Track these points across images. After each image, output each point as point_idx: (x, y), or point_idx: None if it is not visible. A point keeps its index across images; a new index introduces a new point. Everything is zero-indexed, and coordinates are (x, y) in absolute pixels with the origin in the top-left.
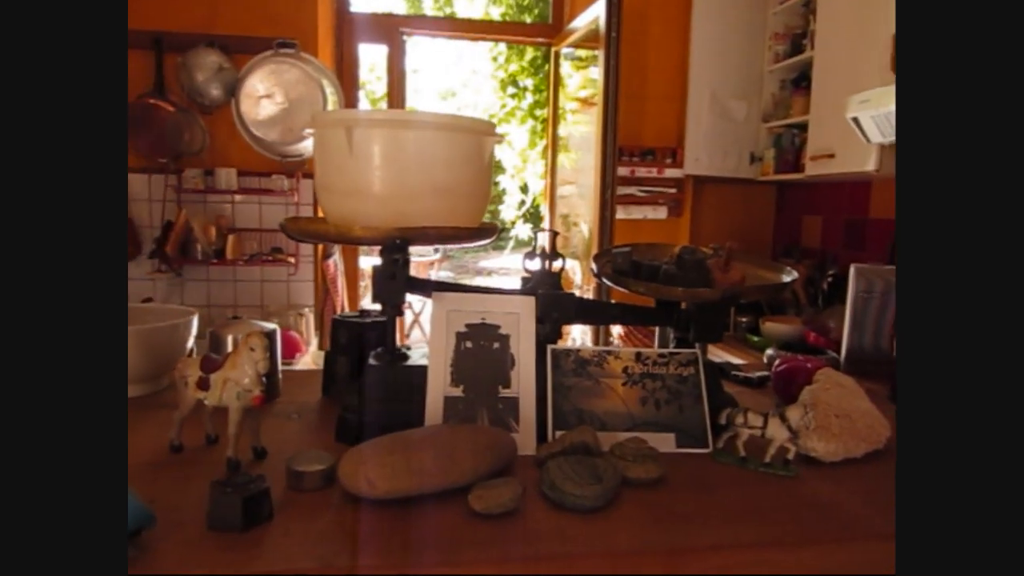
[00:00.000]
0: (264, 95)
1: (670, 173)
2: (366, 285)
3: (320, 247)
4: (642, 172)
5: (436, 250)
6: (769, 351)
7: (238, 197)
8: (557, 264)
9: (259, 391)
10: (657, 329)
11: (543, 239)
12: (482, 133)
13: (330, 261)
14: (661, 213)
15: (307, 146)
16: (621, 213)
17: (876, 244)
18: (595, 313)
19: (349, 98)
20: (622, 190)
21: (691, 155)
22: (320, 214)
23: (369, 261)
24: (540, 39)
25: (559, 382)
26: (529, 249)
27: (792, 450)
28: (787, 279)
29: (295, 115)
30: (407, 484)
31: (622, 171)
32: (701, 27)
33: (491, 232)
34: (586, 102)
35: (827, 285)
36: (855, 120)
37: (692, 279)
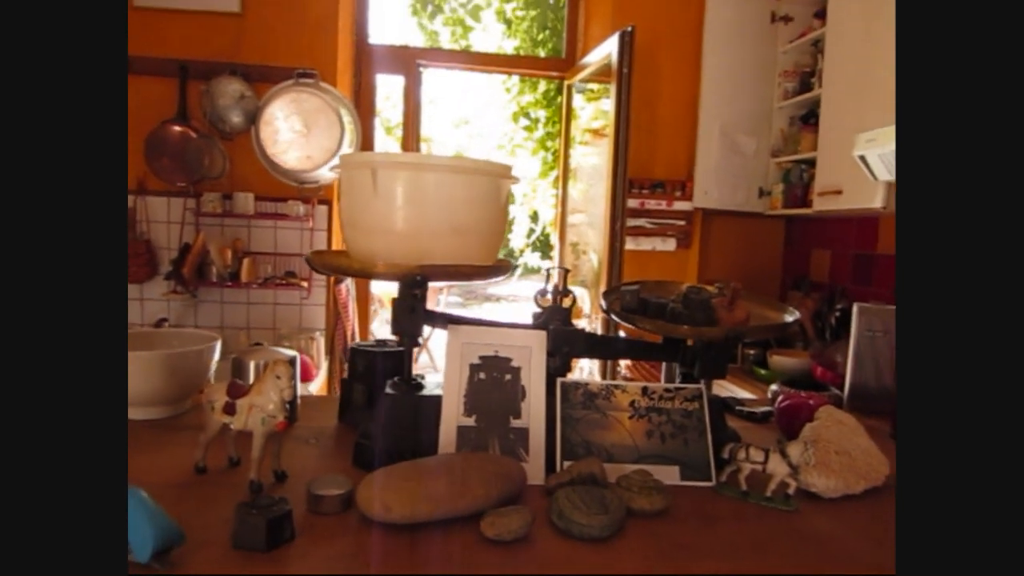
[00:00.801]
0: (284, 123)
1: (679, 206)
2: (376, 310)
3: None
4: (651, 204)
5: None
6: (773, 387)
7: (254, 221)
8: (567, 301)
9: (283, 417)
10: (664, 364)
11: (555, 274)
12: (499, 176)
13: (342, 286)
14: (670, 245)
15: (323, 173)
16: (630, 244)
17: (884, 279)
18: (603, 348)
19: (366, 127)
20: (632, 221)
21: (700, 188)
22: (339, 245)
23: (380, 287)
24: (553, 72)
25: (568, 414)
26: (542, 286)
27: (793, 485)
28: (789, 319)
29: (313, 143)
30: (421, 510)
31: (632, 203)
32: (711, 63)
33: (505, 269)
34: (597, 133)
35: (835, 320)
36: (862, 158)
37: (698, 318)
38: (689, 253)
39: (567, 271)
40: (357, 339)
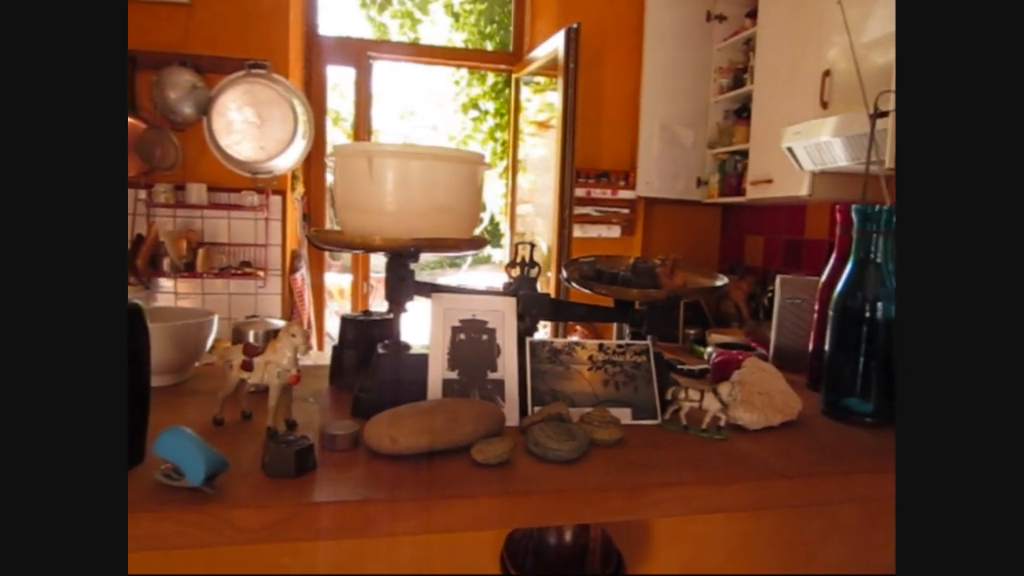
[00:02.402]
0: (237, 114)
1: (623, 195)
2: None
3: (288, 262)
4: (597, 193)
5: None
6: (709, 348)
7: (208, 212)
8: (534, 271)
9: (295, 371)
10: (615, 327)
11: (523, 248)
12: (476, 163)
13: (297, 275)
14: (615, 232)
15: (277, 164)
16: (578, 231)
17: (811, 262)
18: (566, 311)
19: (318, 118)
20: (578, 210)
21: (643, 178)
22: (294, 235)
23: (332, 277)
24: (502, 66)
25: (536, 368)
26: (511, 259)
27: (723, 419)
28: (719, 283)
29: (267, 134)
30: (422, 441)
31: (578, 192)
32: (652, 59)
33: (483, 243)
34: (544, 125)
35: (767, 300)
36: (789, 149)
37: (644, 283)
38: (633, 240)
39: (533, 245)
40: (313, 328)
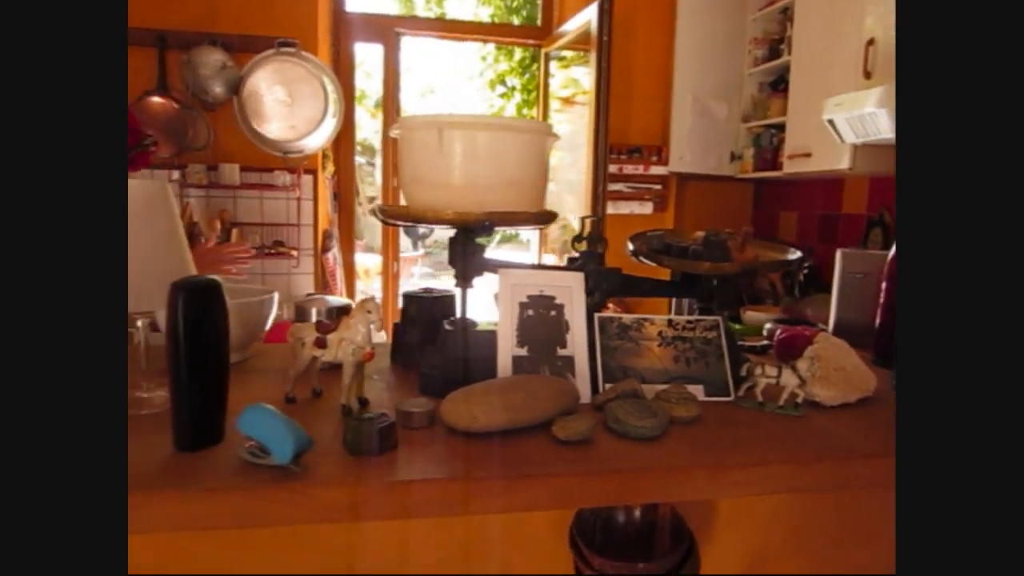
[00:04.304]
0: (267, 93)
1: (655, 170)
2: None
3: (320, 241)
4: (629, 169)
5: (417, 247)
6: (768, 324)
7: (240, 192)
8: (601, 245)
9: (370, 348)
10: (673, 302)
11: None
12: (545, 134)
13: (329, 255)
14: (647, 208)
15: (308, 143)
16: (609, 208)
17: (848, 237)
18: (636, 286)
19: (348, 96)
20: (611, 186)
21: (675, 153)
22: (325, 214)
23: (363, 257)
24: (530, 40)
25: (606, 344)
26: (576, 234)
27: (800, 395)
28: (792, 257)
29: (297, 112)
30: (503, 419)
31: (610, 168)
32: (685, 31)
33: (552, 217)
34: (568, 101)
35: (803, 276)
36: (830, 122)
37: (716, 256)
38: (665, 216)
39: (599, 219)
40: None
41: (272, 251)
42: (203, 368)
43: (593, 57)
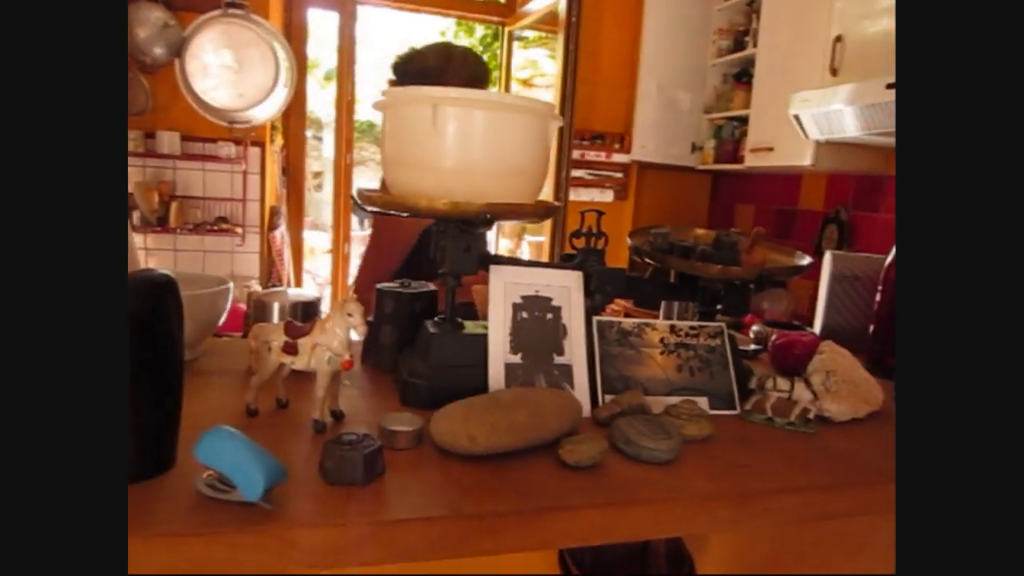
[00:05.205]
0: (213, 56)
1: (617, 158)
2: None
3: (267, 219)
4: (591, 156)
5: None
6: (755, 327)
7: (181, 163)
8: (601, 241)
9: (348, 356)
10: (663, 304)
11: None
12: (550, 116)
13: (276, 233)
14: (607, 196)
15: (256, 113)
16: (570, 195)
17: (804, 233)
18: (640, 288)
19: (301, 65)
20: (572, 172)
21: (638, 141)
22: (274, 189)
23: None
24: (494, 17)
25: (605, 351)
26: (576, 228)
27: (813, 410)
28: (803, 262)
29: (246, 79)
30: (505, 440)
31: (573, 154)
32: (652, 18)
33: (554, 210)
34: (526, 83)
35: None
36: (796, 117)
37: (727, 259)
38: (625, 205)
39: (601, 213)
40: (292, 286)
41: (214, 228)
42: (153, 381)
43: (560, 39)
